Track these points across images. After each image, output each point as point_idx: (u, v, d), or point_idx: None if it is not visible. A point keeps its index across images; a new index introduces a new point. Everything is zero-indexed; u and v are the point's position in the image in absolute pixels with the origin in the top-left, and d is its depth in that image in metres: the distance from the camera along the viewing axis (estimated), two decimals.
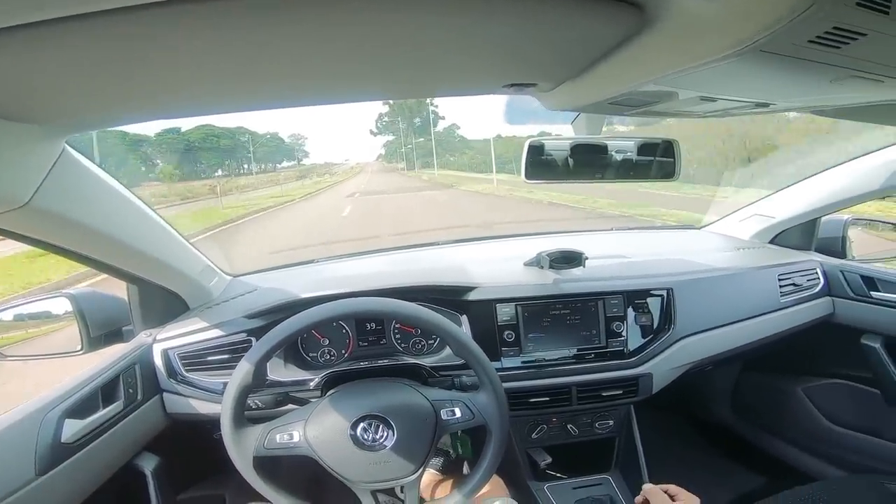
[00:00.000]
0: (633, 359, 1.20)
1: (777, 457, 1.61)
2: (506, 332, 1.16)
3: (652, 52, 0.52)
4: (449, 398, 0.89)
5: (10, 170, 0.61)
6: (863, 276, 1.34)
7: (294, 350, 1.14)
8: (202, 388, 1.06)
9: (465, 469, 1.28)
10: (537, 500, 1.28)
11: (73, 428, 0.84)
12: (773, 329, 1.32)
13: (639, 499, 0.92)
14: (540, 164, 0.93)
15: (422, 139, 52.01)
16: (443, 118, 59.26)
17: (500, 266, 1.31)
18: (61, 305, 1.00)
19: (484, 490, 0.94)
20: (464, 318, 1.17)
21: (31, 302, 1.03)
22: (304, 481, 0.89)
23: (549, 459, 1.30)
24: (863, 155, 1.29)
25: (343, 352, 1.17)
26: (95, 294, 1.06)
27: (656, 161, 0.94)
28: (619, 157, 0.93)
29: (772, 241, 1.55)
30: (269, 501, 0.91)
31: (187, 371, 1.07)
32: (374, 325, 1.19)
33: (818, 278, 1.39)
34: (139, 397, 1.01)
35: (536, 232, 1.74)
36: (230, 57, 0.49)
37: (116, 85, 0.53)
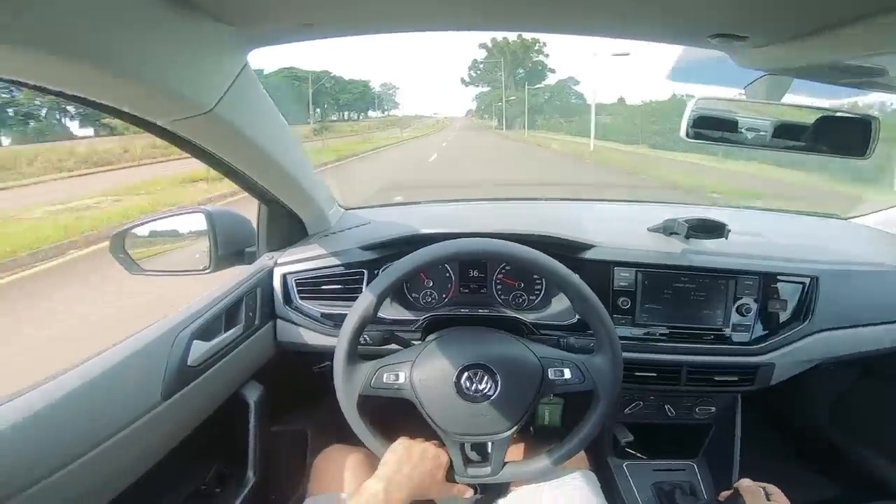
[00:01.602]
0: (757, 346, 1.06)
1: (882, 472, 1.43)
2: (621, 299, 1.05)
3: None
4: (559, 357, 0.82)
5: (202, 74, 0.60)
6: None
7: (399, 289, 1.11)
8: (312, 317, 1.05)
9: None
10: (614, 477, 1.21)
11: (198, 350, 0.83)
12: None
13: (725, 493, 0.84)
14: (704, 123, 0.82)
15: (521, 94, 46.10)
16: (553, 71, 51.75)
17: (620, 228, 1.19)
18: (196, 221, 1.01)
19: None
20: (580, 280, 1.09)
21: (168, 217, 1.05)
22: (392, 427, 0.87)
23: (631, 438, 1.22)
24: None
25: (444, 296, 1.12)
26: (228, 213, 1.06)
27: (843, 136, 0.79)
28: (800, 128, 0.79)
29: None
30: (348, 441, 0.90)
31: (301, 298, 1.06)
32: (476, 273, 1.13)
33: None
34: (256, 322, 1.00)
35: (658, 200, 1.60)
36: None
37: None
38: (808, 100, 0.85)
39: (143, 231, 1.04)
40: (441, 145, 22.92)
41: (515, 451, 0.95)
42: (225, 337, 0.90)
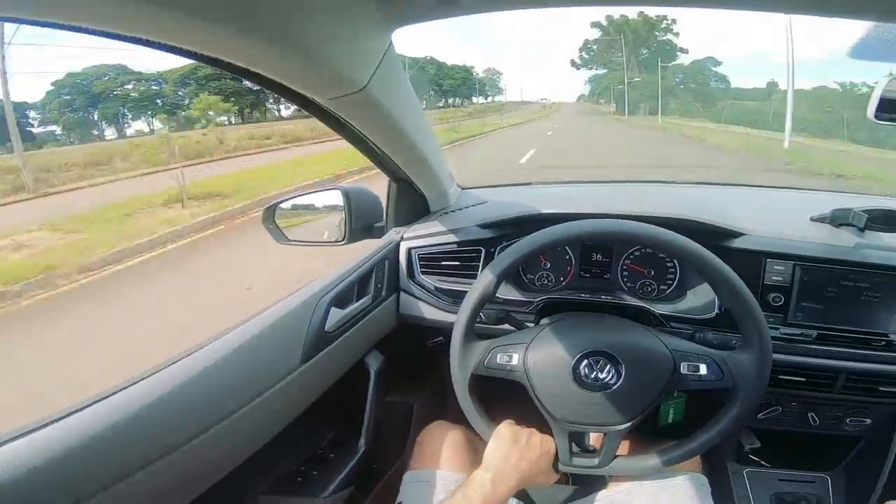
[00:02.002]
0: None
1: None
2: (772, 295, 0.95)
3: None
4: (696, 351, 0.77)
5: (354, 52, 0.63)
6: None
7: (515, 270, 1.11)
8: (432, 291, 1.10)
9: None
10: (731, 483, 1.13)
11: (334, 317, 0.88)
12: None
13: None
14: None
15: (647, 76, 41.13)
16: (683, 51, 45.08)
17: (776, 216, 1.08)
18: (334, 198, 1.12)
19: None
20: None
21: (310, 193, 1.17)
22: (500, 409, 0.87)
23: (758, 444, 1.12)
24: None
25: (561, 279, 1.10)
26: (361, 189, 1.15)
27: None
28: None
29: None
30: (451, 418, 0.92)
31: (423, 273, 1.12)
32: (600, 257, 1.09)
33: None
34: (383, 293, 1.07)
35: (820, 188, 1.42)
36: None
37: None
38: None
39: (287, 205, 1.16)
40: (546, 135, 19.38)
41: (622, 446, 0.92)
42: (357, 306, 0.97)
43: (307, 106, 0.71)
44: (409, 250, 1.12)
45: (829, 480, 1.13)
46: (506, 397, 0.85)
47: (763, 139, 16.49)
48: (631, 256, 1.08)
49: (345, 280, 0.94)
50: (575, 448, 0.82)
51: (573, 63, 51.10)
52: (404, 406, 1.29)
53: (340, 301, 0.92)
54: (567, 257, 1.11)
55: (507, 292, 1.07)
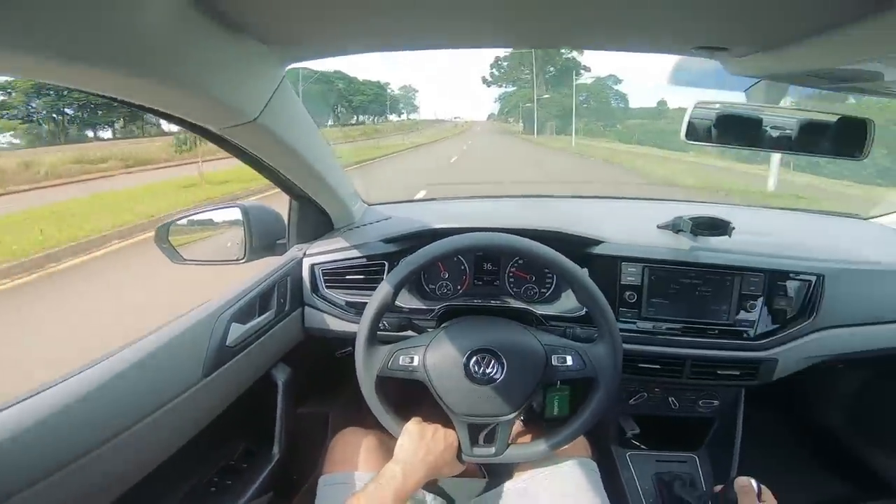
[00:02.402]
0: (760, 342, 1.12)
1: (885, 473, 1.45)
2: (627, 293, 1.13)
3: (884, 33, 0.47)
4: (562, 345, 0.90)
5: (247, 88, 0.70)
6: None
7: (417, 280, 1.21)
8: (337, 304, 1.16)
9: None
10: (617, 467, 1.28)
11: (236, 332, 0.92)
12: None
13: (718, 487, 0.90)
14: (705, 126, 0.89)
15: (555, 94, 40.90)
16: (586, 69, 44.50)
17: (630, 224, 1.27)
18: (232, 215, 1.13)
19: (566, 448, 0.95)
20: (585, 272, 1.15)
21: (207, 210, 1.17)
22: (406, 409, 0.95)
23: (637, 430, 1.30)
24: None
25: (459, 287, 1.22)
26: (261, 207, 1.18)
27: (840, 138, 0.85)
28: (792, 127, 0.85)
29: None
30: (365, 424, 0.99)
31: (327, 287, 1.17)
32: (490, 266, 1.22)
33: None
34: (287, 308, 1.11)
35: (669, 198, 1.65)
36: None
37: (338, 11, 0.57)
38: (806, 102, 0.90)
39: (183, 223, 1.16)
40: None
41: (526, 439, 1.03)
42: (259, 321, 1.01)
43: (202, 132, 0.76)
44: (312, 266, 1.17)
45: (697, 459, 1.32)
46: (413, 397, 0.94)
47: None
48: (515, 264, 1.23)
49: (246, 296, 0.98)
50: (482, 438, 0.92)
51: (484, 80, 50.47)
52: (319, 416, 1.34)
53: (242, 316, 0.96)
54: (462, 268, 1.23)
55: (410, 301, 1.17)
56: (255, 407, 1.06)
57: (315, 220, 1.23)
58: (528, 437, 0.97)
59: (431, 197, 1.68)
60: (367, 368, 0.89)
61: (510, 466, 0.98)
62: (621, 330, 1.12)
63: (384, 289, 0.87)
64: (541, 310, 1.14)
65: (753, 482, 0.84)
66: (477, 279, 1.23)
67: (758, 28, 0.58)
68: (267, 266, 1.10)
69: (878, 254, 1.24)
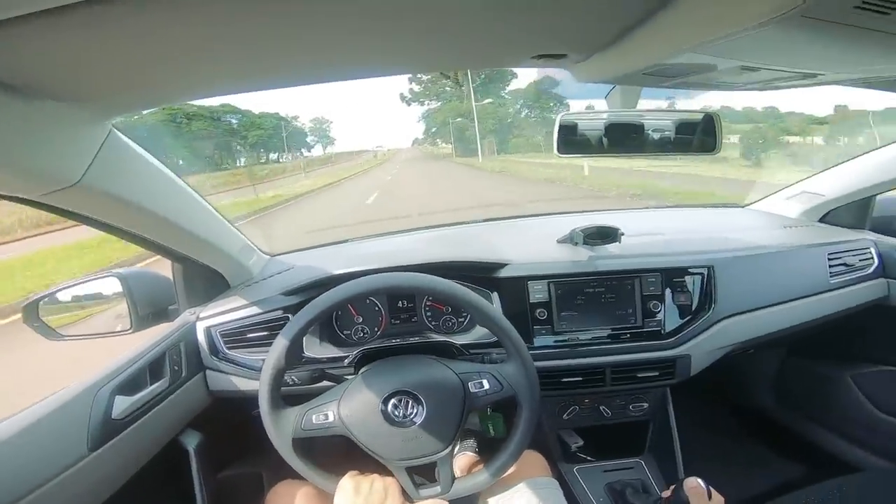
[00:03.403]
0: (671, 339, 1.21)
1: (819, 446, 1.61)
2: (538, 311, 1.20)
3: (688, 19, 0.52)
4: (476, 370, 0.92)
5: (62, 150, 0.67)
6: None
7: (329, 328, 1.21)
8: (242, 364, 1.14)
9: None
10: (567, 482, 1.32)
11: (122, 404, 0.90)
12: (821, 311, 1.32)
13: (666, 493, 0.94)
14: (573, 138, 0.96)
15: (488, 105, 35.56)
16: (515, 75, 37.23)
17: (532, 243, 1.35)
18: (111, 285, 1.08)
19: (527, 469, 0.98)
20: (494, 296, 1.21)
21: (83, 283, 1.11)
22: (342, 460, 0.93)
23: (581, 442, 1.35)
24: None
25: (376, 329, 1.23)
26: (143, 273, 1.14)
27: (695, 135, 0.96)
28: (655, 131, 0.95)
29: (821, 220, 1.55)
30: (305, 479, 0.96)
31: (229, 348, 1.15)
32: (405, 303, 1.24)
33: (872, 258, 1.38)
34: (184, 374, 1.08)
35: (568, 210, 1.76)
36: (267, 34, 0.52)
37: (153, 64, 0.56)
38: (661, 103, 1.00)
39: (57, 299, 1.10)
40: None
41: (479, 467, 1.04)
42: (151, 390, 0.98)
43: (21, 201, 0.72)
44: (209, 329, 1.15)
45: (643, 463, 1.39)
46: (344, 448, 0.92)
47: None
48: (430, 299, 1.26)
49: (130, 368, 0.96)
50: (424, 479, 0.93)
51: (403, 98, 44.92)
52: (251, 476, 1.31)
53: (127, 388, 0.94)
54: (377, 308, 1.25)
55: (324, 350, 1.16)
56: (168, 476, 1.05)
57: (206, 280, 1.20)
58: (480, 466, 0.99)
59: (342, 239, 1.67)
60: (278, 434, 0.88)
61: (472, 497, 0.99)
62: (538, 347, 1.18)
63: (278, 346, 0.87)
64: (461, 339, 1.17)
65: (701, 482, 0.89)
66: (394, 318, 1.24)
67: (587, 29, 0.61)
68: (155, 335, 1.07)
69: (760, 238, 1.39)
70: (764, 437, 1.77)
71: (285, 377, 1.01)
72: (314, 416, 0.88)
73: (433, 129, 46.15)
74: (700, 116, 0.96)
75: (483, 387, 0.90)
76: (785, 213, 1.60)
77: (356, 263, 1.18)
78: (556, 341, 1.20)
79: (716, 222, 1.65)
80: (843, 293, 1.34)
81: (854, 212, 1.48)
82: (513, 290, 1.20)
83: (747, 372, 1.81)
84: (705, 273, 1.24)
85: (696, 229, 1.52)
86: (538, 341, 1.19)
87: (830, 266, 1.34)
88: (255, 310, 1.16)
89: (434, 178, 20.26)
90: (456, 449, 1.24)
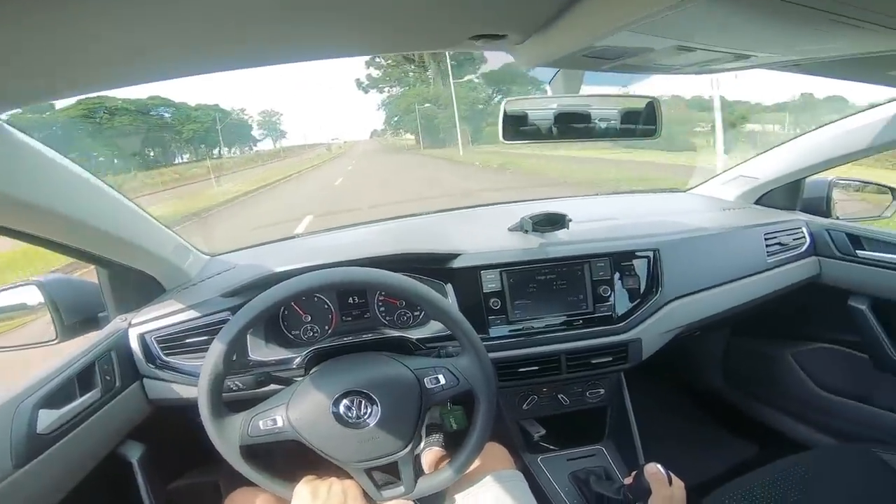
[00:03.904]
0: (622, 324, 1.26)
1: (768, 425, 1.73)
2: (492, 300, 1.22)
3: None
4: (431, 365, 0.93)
5: None
6: (848, 235, 1.43)
7: (276, 328, 1.18)
8: (183, 371, 1.10)
9: None
10: (532, 473, 1.35)
11: (48, 418, 0.87)
12: (761, 290, 1.40)
13: (628, 480, 0.99)
14: (517, 125, 0.98)
15: (458, 88, 31.13)
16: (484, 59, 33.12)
17: (484, 233, 1.37)
18: (31, 295, 1.03)
19: (491, 463, 0.99)
20: (449, 287, 1.22)
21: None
22: (300, 463, 0.92)
23: (543, 431, 1.38)
24: (844, 117, 1.36)
25: (326, 328, 1.21)
26: (66, 280, 1.09)
27: (636, 119, 1.00)
28: (598, 116, 0.98)
29: (757, 202, 1.65)
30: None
31: (167, 355, 1.11)
32: (356, 299, 1.23)
33: (804, 237, 1.49)
34: (117, 384, 1.04)
35: (521, 199, 1.80)
36: (176, 16, 0.49)
37: (45, 49, 0.52)
38: (604, 89, 1.03)
39: None
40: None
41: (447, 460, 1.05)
42: (81, 402, 0.94)
43: None
44: (143, 336, 1.11)
45: (604, 450, 1.44)
46: (303, 452, 0.90)
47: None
48: (383, 293, 1.25)
49: (55, 379, 0.92)
50: (388, 478, 0.92)
51: (359, 84, 41.11)
52: (206, 485, 1.29)
53: (53, 401, 0.90)
54: (326, 307, 1.23)
55: (273, 353, 1.14)
56: (113, 491, 1.05)
57: (137, 284, 1.16)
58: (447, 460, 0.99)
59: (289, 235, 1.64)
60: (224, 442, 0.85)
61: (438, 494, 0.99)
62: (494, 338, 1.21)
63: (213, 355, 0.84)
64: (416, 334, 1.18)
65: (661, 468, 0.93)
66: (345, 315, 1.23)
67: (524, 7, 0.61)
68: (83, 344, 1.03)
69: (701, 221, 1.48)
70: (717, 417, 1.88)
71: (228, 383, 0.99)
72: (261, 422, 0.86)
73: (395, 118, 42.51)
74: (642, 103, 1.00)
75: (439, 382, 0.91)
76: (723, 197, 1.71)
77: (302, 259, 1.16)
78: (511, 331, 1.23)
79: (660, 207, 1.73)
80: (780, 272, 1.43)
81: (786, 194, 1.59)
82: (467, 280, 1.22)
83: (697, 354, 1.92)
84: (651, 256, 1.30)
85: (642, 213, 1.59)
86: (494, 332, 1.22)
87: (767, 246, 1.43)
88: (193, 313, 1.12)
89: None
90: (422, 445, 1.25)
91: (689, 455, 1.43)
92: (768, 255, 1.42)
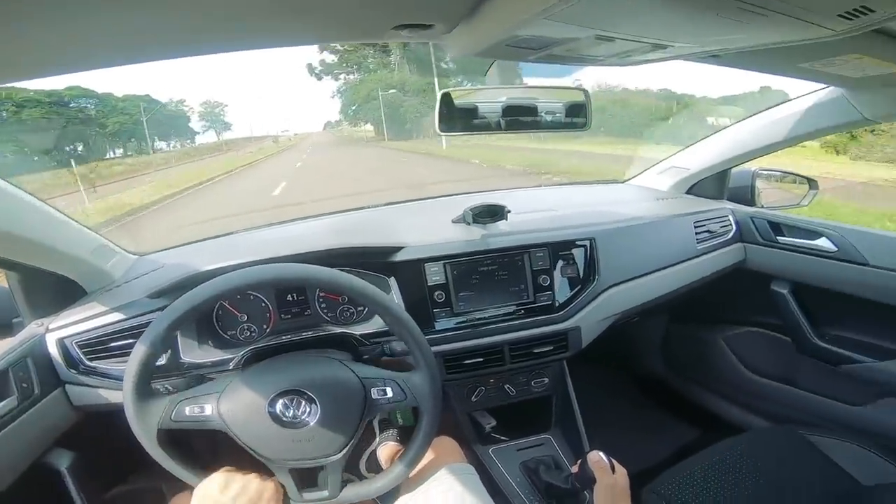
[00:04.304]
0: (561, 312, 1.32)
1: (707, 408, 1.85)
2: (436, 293, 1.24)
3: None
4: (381, 377, 0.92)
5: None
6: (770, 222, 1.56)
7: (210, 328, 1.16)
8: (110, 376, 1.07)
9: None
10: (483, 465, 1.38)
11: None
12: (692, 276, 1.50)
13: (574, 468, 1.02)
14: (453, 115, 1.00)
15: (427, 75, 29.36)
16: None
17: (427, 225, 1.39)
18: None
19: (442, 458, 1.01)
20: (392, 281, 1.23)
21: None
22: (220, 455, 0.91)
23: (494, 422, 1.42)
24: (766, 109, 1.47)
25: (264, 327, 1.19)
26: None
27: (567, 111, 1.05)
28: (531, 109, 1.02)
29: (688, 192, 1.76)
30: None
31: (90, 360, 1.07)
32: (295, 296, 1.21)
33: (730, 225, 1.60)
34: (36, 392, 1.00)
35: (465, 191, 1.83)
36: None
37: None
38: (538, 80, 1.07)
39: None
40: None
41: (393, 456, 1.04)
42: None
43: None
44: (62, 341, 1.07)
45: (552, 439, 1.48)
46: (227, 445, 0.89)
47: None
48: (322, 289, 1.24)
49: None
50: (311, 481, 0.91)
51: (312, 71, 37.78)
52: (149, 490, 1.25)
53: None
54: (263, 305, 1.20)
55: (207, 354, 1.11)
56: (42, 500, 1.05)
57: (54, 287, 1.11)
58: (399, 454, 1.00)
59: (226, 231, 1.59)
60: (142, 423, 0.83)
61: (391, 492, 0.99)
62: (440, 331, 1.24)
63: (136, 357, 0.82)
64: (359, 330, 1.18)
65: (603, 456, 0.97)
66: (283, 313, 1.21)
67: None
68: None
69: (636, 210, 1.56)
70: (660, 402, 1.99)
71: (158, 386, 0.99)
72: (187, 408, 0.84)
73: (353, 107, 38.53)
74: (571, 94, 1.05)
75: (386, 394, 0.91)
76: (658, 187, 1.81)
77: (236, 256, 1.13)
78: (456, 323, 1.25)
79: (598, 197, 1.81)
80: (709, 258, 1.53)
81: (714, 183, 1.70)
82: (411, 273, 1.24)
83: (638, 340, 2.02)
84: (588, 245, 1.36)
85: (579, 204, 1.66)
86: (439, 325, 1.24)
87: (697, 233, 1.53)
88: (117, 316, 1.09)
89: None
90: (377, 441, 1.25)
91: (633, 440, 1.51)
92: (698, 242, 1.51)
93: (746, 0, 0.50)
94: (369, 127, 37.06)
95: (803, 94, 1.35)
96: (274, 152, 32.18)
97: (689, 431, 1.84)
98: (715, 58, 0.87)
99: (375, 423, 1.59)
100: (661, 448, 1.69)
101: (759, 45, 0.72)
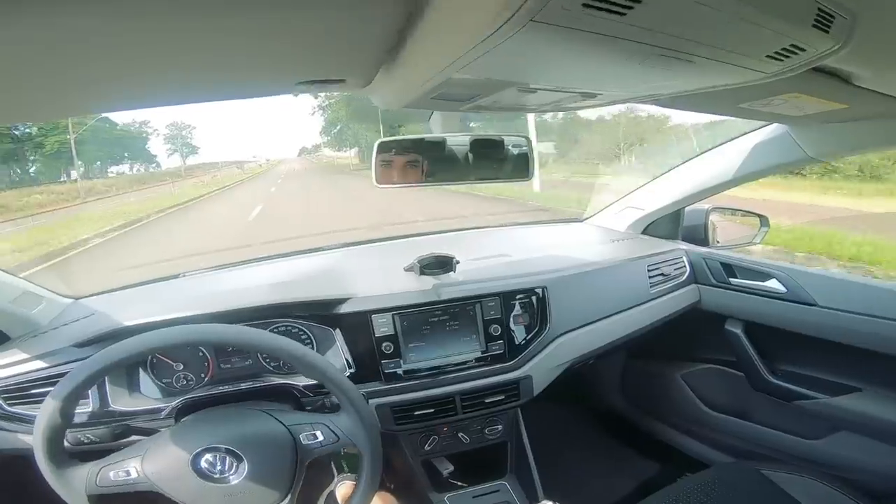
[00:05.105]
0: (512, 362, 1.33)
1: (669, 443, 1.88)
2: (384, 344, 1.24)
3: (438, 34, 0.52)
4: (309, 421, 0.93)
5: None
6: (722, 263, 1.62)
7: (145, 375, 1.15)
8: (30, 421, 1.03)
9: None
10: None
11: None
12: (644, 321, 1.54)
13: None
14: (390, 167, 1.00)
15: None
16: None
17: (378, 273, 1.41)
18: None
19: None
20: (337, 333, 1.23)
21: None
22: None
23: (452, 468, 1.42)
24: (717, 146, 1.54)
25: (203, 375, 1.18)
26: None
27: (510, 160, 1.05)
28: (472, 159, 1.02)
29: (644, 232, 1.82)
30: None
31: (10, 405, 1.07)
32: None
33: (685, 266, 1.66)
34: None
35: (420, 232, 1.84)
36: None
37: None
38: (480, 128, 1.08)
39: None
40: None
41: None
42: None
43: None
44: None
45: (508, 485, 1.48)
46: (164, 499, 0.89)
47: None
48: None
49: None
50: None
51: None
52: None
53: None
54: (200, 354, 1.20)
55: (139, 402, 1.10)
56: None
57: None
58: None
59: (172, 274, 1.57)
60: (70, 492, 0.84)
61: None
62: (388, 382, 1.24)
63: (46, 412, 0.83)
64: (303, 381, 1.17)
65: None
66: (223, 362, 1.20)
67: (350, 53, 0.61)
68: None
69: (591, 254, 1.60)
70: (619, 437, 2.01)
71: (79, 436, 0.98)
72: (112, 473, 0.86)
73: (335, 129, 35.48)
74: (512, 141, 1.04)
75: (317, 438, 0.91)
76: (616, 227, 1.87)
77: (172, 309, 1.14)
78: (405, 373, 1.26)
79: (554, 240, 1.85)
80: (663, 301, 1.58)
81: (668, 223, 1.78)
82: (357, 324, 1.24)
83: (596, 377, 2.06)
84: (540, 293, 1.38)
85: (534, 248, 1.69)
86: (388, 376, 1.24)
87: (650, 277, 1.58)
88: (39, 364, 1.08)
89: None
90: (335, 481, 1.23)
91: (594, 479, 1.52)
92: (651, 286, 1.56)
93: (668, 47, 0.48)
94: (353, 153, 34.65)
95: (752, 130, 1.41)
96: (232, 183, 28.25)
97: (651, 467, 1.86)
98: (654, 99, 0.87)
99: (332, 464, 1.57)
100: (623, 485, 1.71)
101: (694, 90, 0.71)
